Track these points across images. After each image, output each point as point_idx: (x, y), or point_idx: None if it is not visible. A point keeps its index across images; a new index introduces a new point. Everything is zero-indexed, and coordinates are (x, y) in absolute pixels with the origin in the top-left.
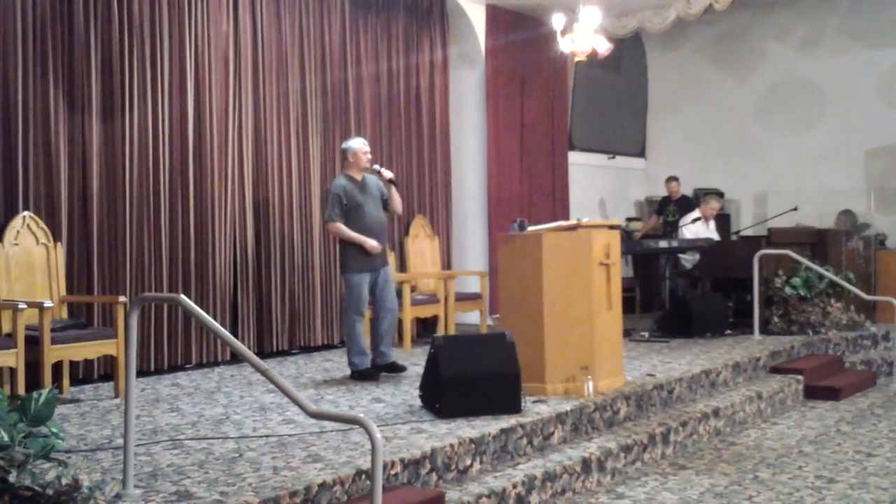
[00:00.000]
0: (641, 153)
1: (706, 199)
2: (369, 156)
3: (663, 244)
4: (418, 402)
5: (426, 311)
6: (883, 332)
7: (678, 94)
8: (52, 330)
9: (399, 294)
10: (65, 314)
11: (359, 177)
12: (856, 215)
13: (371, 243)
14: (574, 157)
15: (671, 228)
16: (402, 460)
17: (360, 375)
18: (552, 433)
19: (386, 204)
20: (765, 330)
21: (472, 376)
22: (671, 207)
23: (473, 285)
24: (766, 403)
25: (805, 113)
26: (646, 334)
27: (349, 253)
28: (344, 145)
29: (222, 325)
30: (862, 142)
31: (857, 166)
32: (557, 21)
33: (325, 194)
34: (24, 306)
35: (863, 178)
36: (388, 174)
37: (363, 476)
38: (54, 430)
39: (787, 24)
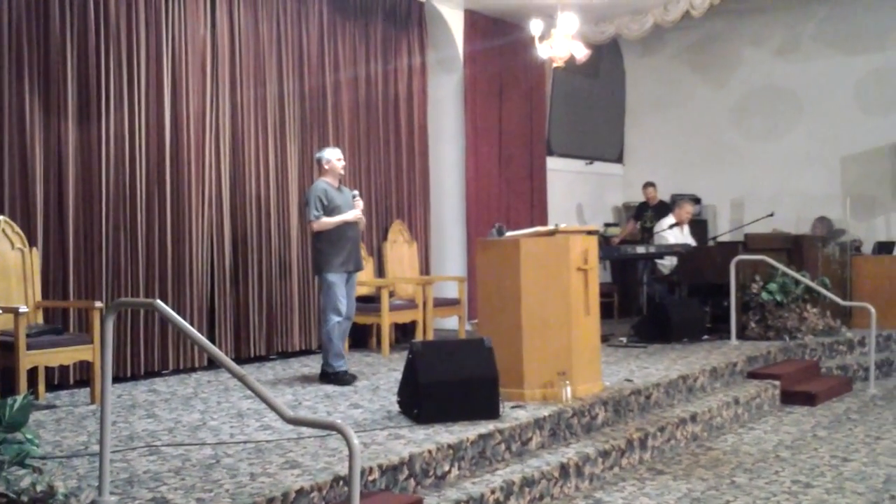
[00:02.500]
0: (619, 159)
1: (680, 203)
2: (343, 163)
3: (641, 249)
4: (396, 408)
5: (404, 317)
6: (859, 337)
7: (656, 99)
8: (28, 335)
9: (377, 299)
10: (40, 319)
11: (335, 183)
12: (831, 221)
13: (356, 213)
14: (552, 163)
15: (648, 234)
16: (380, 466)
17: (336, 378)
18: (530, 439)
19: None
20: (742, 335)
21: (451, 382)
22: (648, 213)
23: (452, 291)
24: (743, 409)
25: (781, 119)
26: (624, 339)
27: (326, 252)
28: (318, 154)
29: (199, 330)
30: (838, 148)
31: (833, 172)
32: (535, 27)
33: (302, 198)
34: (0, 311)
35: (839, 184)
36: (360, 204)
37: (341, 482)
38: (29, 436)
39: (763, 30)
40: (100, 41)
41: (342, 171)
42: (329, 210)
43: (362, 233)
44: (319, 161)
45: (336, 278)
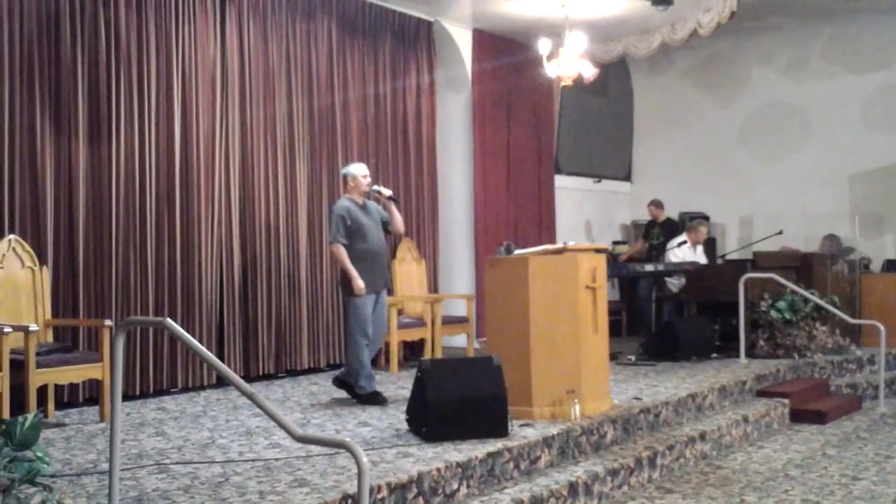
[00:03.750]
0: (627, 177)
1: (695, 226)
2: (369, 180)
3: (649, 267)
4: (405, 426)
5: (413, 335)
6: (868, 355)
7: (664, 118)
8: (38, 354)
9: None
10: (50, 338)
11: (360, 200)
12: (840, 239)
13: (359, 283)
14: (560, 181)
15: (656, 252)
16: (388, 484)
17: (370, 399)
18: (539, 457)
19: (386, 226)
20: (751, 353)
21: (459, 400)
22: (656, 230)
23: (460, 309)
24: (753, 427)
25: (789, 137)
26: (632, 357)
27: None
28: (344, 170)
29: (208, 348)
30: (846, 166)
31: (841, 190)
32: (543, 46)
33: (328, 215)
34: (10, 330)
35: (847, 202)
36: (387, 192)
37: (350, 500)
38: (39, 454)
39: (771, 49)
40: (110, 61)
41: (367, 188)
42: (352, 231)
43: (400, 236)
44: (345, 178)
45: (362, 301)
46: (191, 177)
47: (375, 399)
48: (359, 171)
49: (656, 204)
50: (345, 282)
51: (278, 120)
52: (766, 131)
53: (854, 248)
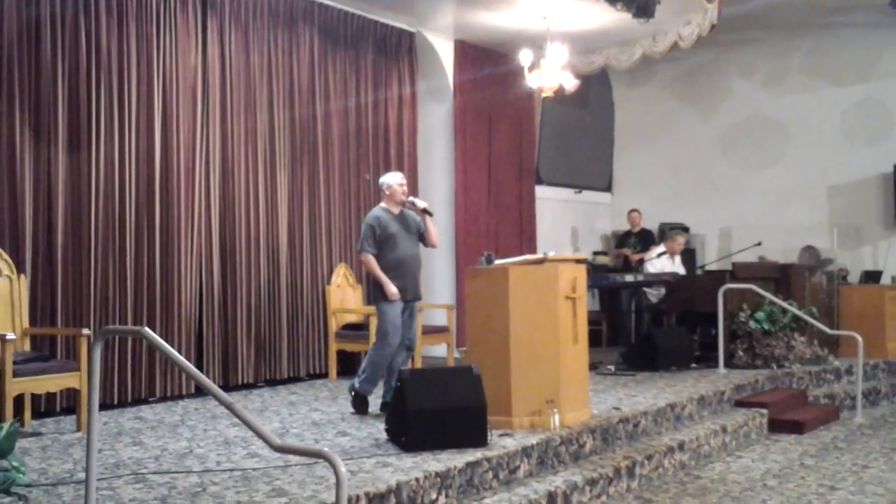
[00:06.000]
0: (608, 188)
1: (672, 236)
2: (405, 189)
3: (629, 278)
4: (384, 436)
5: None
6: (846, 366)
7: (644, 129)
8: (15, 362)
9: (366, 326)
10: (27, 346)
11: (396, 210)
12: (818, 250)
13: (391, 289)
14: (541, 192)
15: (627, 263)
16: (367, 494)
17: (357, 400)
18: (518, 467)
19: (423, 237)
20: (729, 363)
21: (439, 410)
22: (632, 240)
23: (441, 318)
24: (731, 437)
25: (769, 149)
26: (612, 368)
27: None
28: (381, 180)
29: (188, 358)
30: (825, 178)
31: (819, 202)
32: (525, 57)
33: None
34: None
35: (825, 214)
36: (421, 204)
37: None
38: (15, 463)
39: (751, 61)
40: (91, 69)
41: (403, 198)
42: (382, 240)
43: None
44: (381, 187)
45: (389, 308)
46: (171, 186)
47: (361, 403)
48: (394, 180)
49: (636, 211)
50: (376, 289)
51: (259, 130)
52: (746, 143)
53: (833, 260)
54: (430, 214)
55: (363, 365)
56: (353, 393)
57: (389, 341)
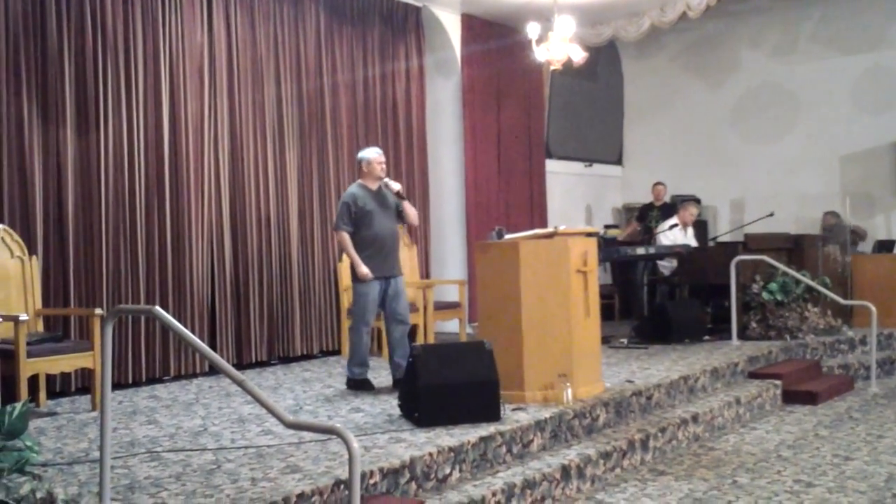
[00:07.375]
0: (618, 160)
1: (685, 206)
2: (384, 165)
3: (641, 251)
4: (397, 412)
5: None
6: (860, 336)
7: (654, 101)
8: (28, 343)
9: None
10: (41, 327)
11: (374, 186)
12: (841, 216)
13: (363, 269)
14: (551, 165)
15: (649, 235)
16: (380, 469)
17: (356, 385)
18: (531, 441)
19: (401, 215)
20: (743, 335)
21: (451, 385)
22: (654, 213)
23: (452, 294)
24: (745, 408)
25: (780, 119)
26: (624, 341)
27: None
28: (358, 155)
29: (200, 336)
30: (837, 147)
31: (832, 172)
32: (532, 30)
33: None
34: (0, 320)
35: (838, 183)
36: (395, 187)
37: (342, 486)
38: (29, 443)
39: (760, 31)
40: (97, 48)
41: (382, 174)
42: (358, 217)
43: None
44: (359, 163)
45: (365, 288)
46: (180, 164)
47: (363, 386)
48: (372, 155)
49: (661, 184)
50: (351, 269)
51: (267, 106)
52: (757, 113)
53: (854, 225)
54: (404, 198)
55: (349, 352)
56: (348, 381)
57: (365, 320)
